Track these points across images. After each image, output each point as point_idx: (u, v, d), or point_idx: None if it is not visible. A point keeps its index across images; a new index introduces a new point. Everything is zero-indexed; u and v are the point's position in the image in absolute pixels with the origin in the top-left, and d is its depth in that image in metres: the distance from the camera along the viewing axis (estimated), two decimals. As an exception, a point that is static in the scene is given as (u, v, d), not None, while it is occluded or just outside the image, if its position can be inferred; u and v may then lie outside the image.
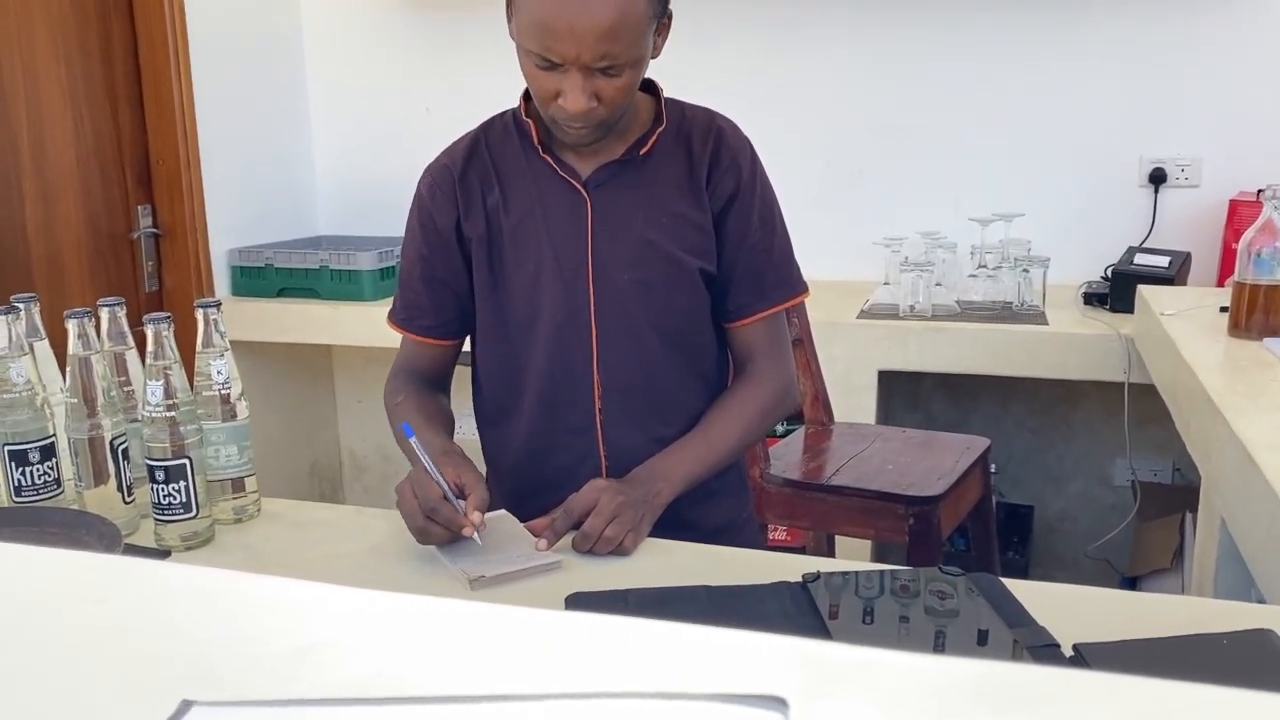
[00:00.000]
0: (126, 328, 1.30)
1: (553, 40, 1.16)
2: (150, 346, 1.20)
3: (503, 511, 1.28)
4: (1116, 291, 2.55)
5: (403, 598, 0.51)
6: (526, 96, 1.34)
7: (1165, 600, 1.10)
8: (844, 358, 2.53)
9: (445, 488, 1.17)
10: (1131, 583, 2.62)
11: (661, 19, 1.24)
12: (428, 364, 1.43)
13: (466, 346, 1.45)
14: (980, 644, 0.99)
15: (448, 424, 1.38)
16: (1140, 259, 2.59)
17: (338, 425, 3.66)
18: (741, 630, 0.43)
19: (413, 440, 1.20)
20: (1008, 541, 2.98)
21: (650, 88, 1.35)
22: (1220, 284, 2.65)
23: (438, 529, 1.16)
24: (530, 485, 1.39)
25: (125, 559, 0.59)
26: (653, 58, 1.26)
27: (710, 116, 1.36)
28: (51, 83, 2.71)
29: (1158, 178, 2.80)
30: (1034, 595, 1.02)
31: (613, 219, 1.32)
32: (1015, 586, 1.04)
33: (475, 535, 1.16)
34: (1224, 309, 1.97)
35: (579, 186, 1.32)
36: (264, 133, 3.30)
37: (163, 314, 1.21)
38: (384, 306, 1.46)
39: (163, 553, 1.22)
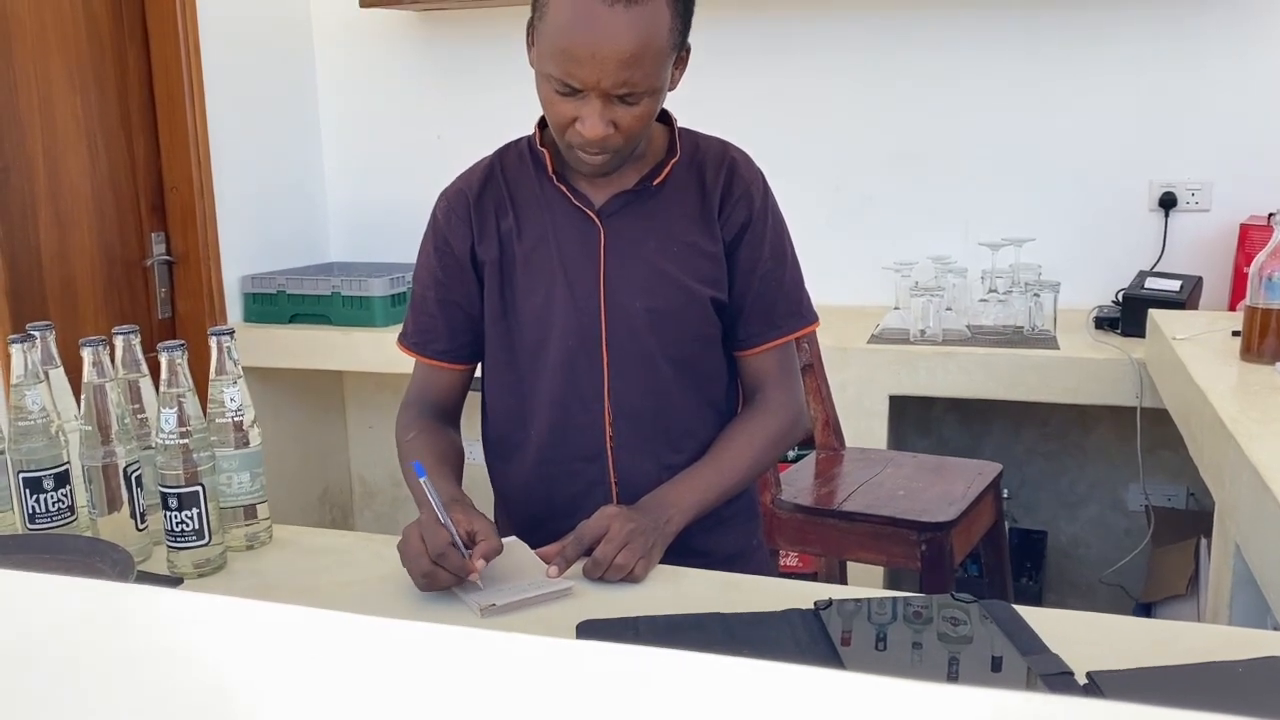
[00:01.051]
0: (141, 356, 1.30)
1: (574, 66, 1.17)
2: (164, 374, 1.21)
3: (514, 538, 1.28)
4: (1128, 316, 2.55)
5: (415, 626, 0.51)
6: (541, 125, 1.35)
7: (1180, 627, 1.10)
8: (855, 383, 2.53)
9: (454, 534, 1.15)
10: (1146, 609, 2.60)
11: (680, 51, 1.25)
12: (440, 391, 1.43)
13: (477, 373, 1.45)
14: (994, 671, 0.99)
15: (458, 463, 1.38)
16: (1151, 283, 2.59)
17: (349, 451, 3.66)
18: (754, 659, 0.43)
19: (423, 481, 1.18)
20: (1021, 567, 2.96)
21: (664, 118, 1.36)
22: (1232, 308, 2.65)
23: (444, 574, 1.14)
24: (540, 512, 1.39)
25: (137, 587, 0.60)
26: (670, 90, 1.27)
27: (724, 147, 1.37)
28: (67, 112, 2.74)
29: (1168, 202, 2.80)
30: (1047, 622, 1.02)
31: (625, 247, 1.32)
32: (1028, 613, 1.04)
33: (478, 580, 1.16)
34: (1236, 333, 1.97)
35: (592, 215, 1.33)
36: (276, 160, 3.32)
37: (177, 342, 1.22)
38: (395, 332, 1.46)
39: (175, 580, 1.22)
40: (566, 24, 1.16)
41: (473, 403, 1.48)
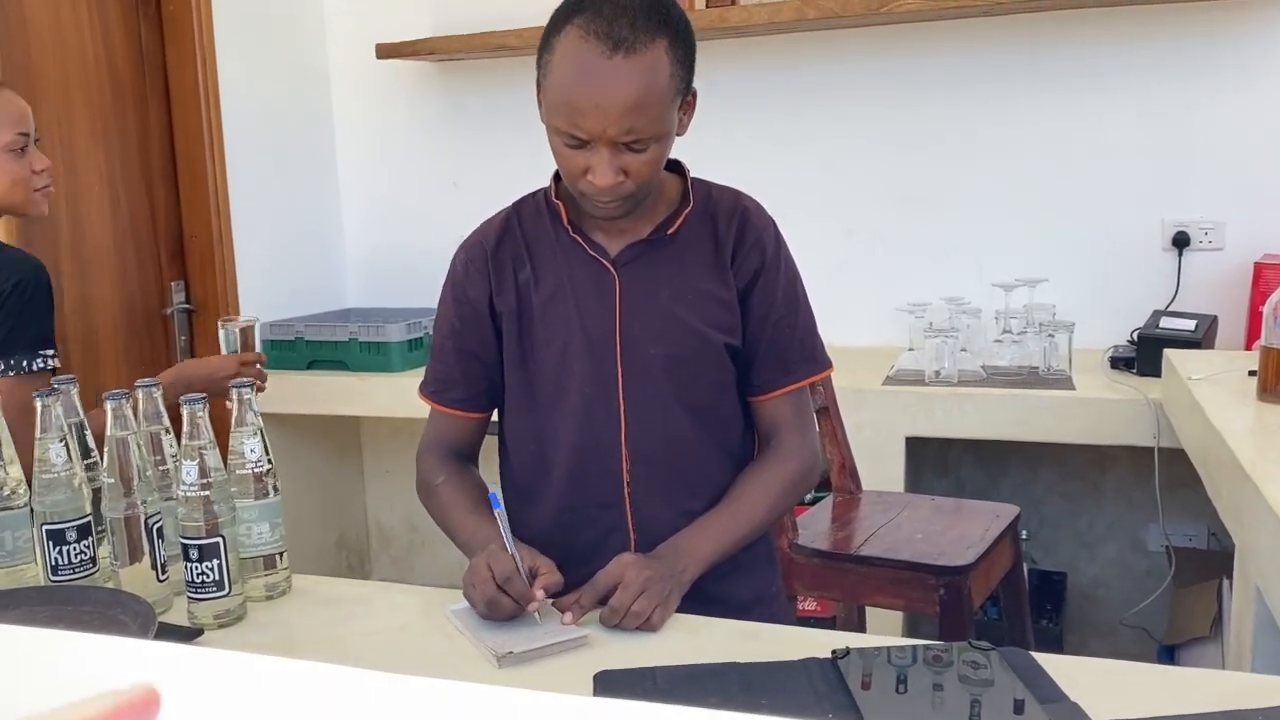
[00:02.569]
0: (162, 408, 1.32)
1: (579, 117, 1.20)
2: (186, 427, 1.22)
3: (530, 586, 1.29)
4: (1143, 355, 2.54)
5: (435, 683, 0.52)
6: (557, 178, 1.37)
7: (1199, 674, 1.09)
8: (870, 425, 2.53)
9: (520, 563, 1.21)
10: (1170, 651, 2.57)
11: (685, 96, 1.27)
12: (458, 437, 1.45)
13: (494, 417, 1.47)
14: (1016, 714, 0.98)
15: (487, 508, 1.40)
16: (1166, 322, 2.58)
17: (365, 496, 3.67)
18: (772, 715, 0.44)
19: (497, 512, 1.24)
20: (1041, 609, 2.94)
21: (678, 168, 1.39)
22: (1248, 347, 2.64)
23: (507, 601, 1.19)
24: (558, 558, 1.39)
25: (157, 644, 0.60)
26: (679, 135, 1.30)
27: (736, 196, 1.40)
28: (90, 164, 2.79)
29: (1181, 241, 2.80)
30: (1066, 670, 1.02)
31: (640, 296, 1.34)
32: (1046, 661, 1.04)
33: (537, 615, 1.20)
34: (1253, 373, 1.96)
35: (607, 264, 1.35)
36: (295, 208, 3.37)
37: (198, 395, 1.24)
38: (412, 377, 1.49)
39: (196, 631, 1.23)
40: (569, 78, 1.20)
41: (490, 448, 1.50)
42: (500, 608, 1.19)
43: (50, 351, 1.72)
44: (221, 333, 1.98)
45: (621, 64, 1.18)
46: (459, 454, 1.46)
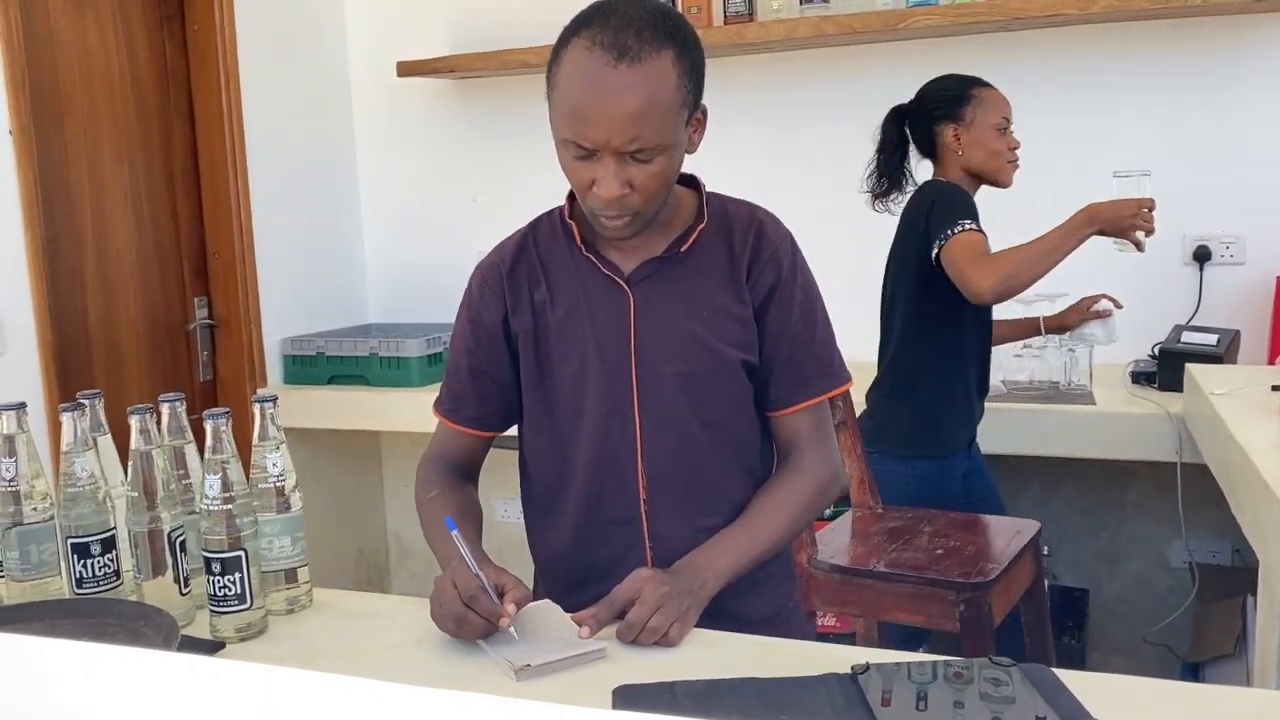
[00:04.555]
0: (186, 422, 1.33)
1: (584, 126, 1.21)
2: (209, 441, 1.24)
3: (546, 600, 1.29)
4: (1165, 370, 2.53)
5: (453, 695, 0.52)
6: (572, 197, 1.38)
7: (1222, 691, 1.08)
8: (890, 440, 2.52)
9: (484, 581, 1.19)
10: (1194, 669, 2.54)
11: (695, 112, 1.28)
12: (462, 452, 1.47)
13: (510, 430, 1.47)
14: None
15: (479, 522, 1.41)
16: (1188, 337, 2.57)
17: (385, 511, 3.69)
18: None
19: (454, 534, 1.22)
20: (1063, 626, 2.91)
21: (693, 184, 1.39)
22: (1271, 361, 2.62)
23: (476, 618, 1.17)
24: (576, 576, 1.40)
25: (180, 656, 0.61)
26: (689, 152, 1.30)
27: (751, 211, 1.39)
28: (115, 182, 2.82)
29: (1202, 255, 2.79)
30: (1089, 687, 1.01)
31: (655, 313, 1.35)
32: (1069, 678, 1.03)
33: (512, 629, 1.18)
34: (1276, 387, 1.95)
35: (621, 282, 1.35)
36: (316, 224, 3.40)
37: (221, 410, 1.25)
38: (432, 392, 1.50)
39: (218, 644, 1.24)
40: (574, 87, 1.21)
41: (508, 467, 1.50)
42: (470, 625, 1.17)
43: None
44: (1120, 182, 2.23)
45: (626, 72, 1.18)
46: (459, 469, 1.47)
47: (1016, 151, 2.33)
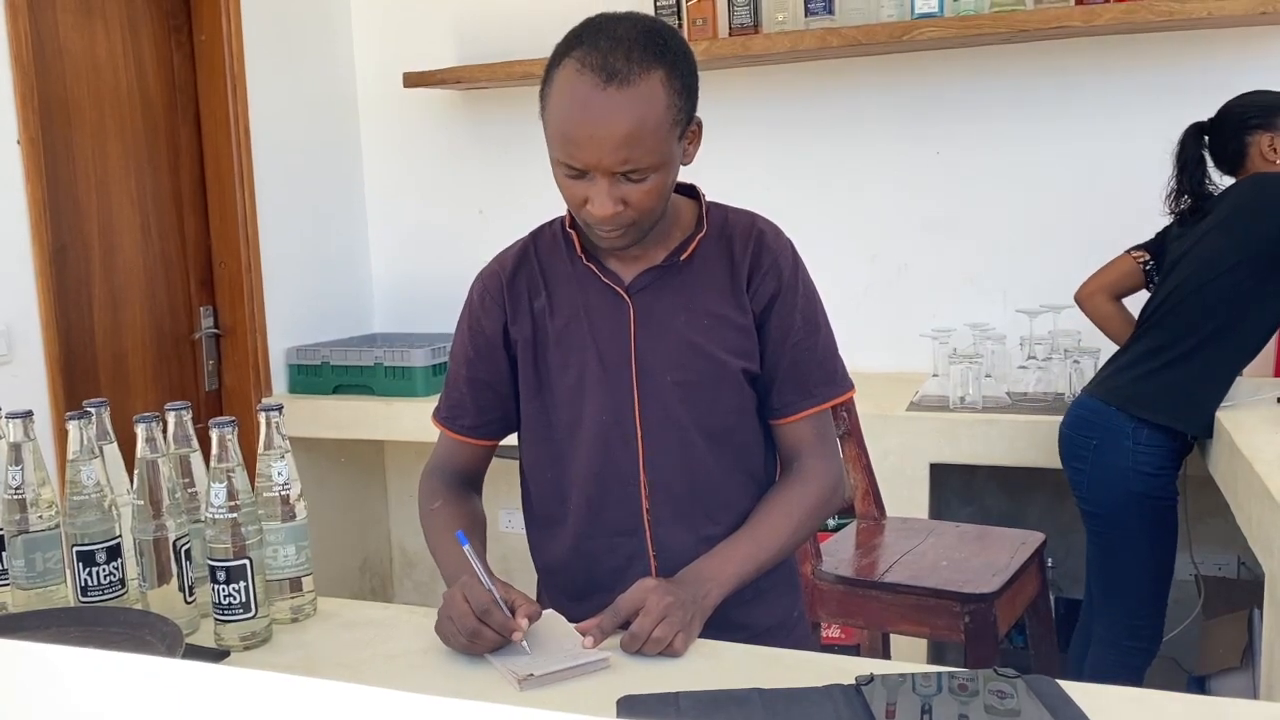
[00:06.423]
0: (192, 431, 1.34)
1: (575, 149, 1.21)
2: (215, 450, 1.24)
3: (550, 611, 1.29)
4: (1170, 382, 2.52)
5: (457, 704, 0.52)
6: None
7: (1227, 704, 1.08)
8: (895, 451, 2.52)
9: (496, 595, 1.19)
10: (1200, 682, 2.53)
11: (688, 126, 1.28)
12: (463, 462, 1.47)
13: (512, 440, 1.47)
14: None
15: (483, 534, 1.41)
16: (1193, 349, 2.56)
17: (389, 521, 3.69)
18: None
19: (466, 549, 1.23)
20: (1068, 638, 2.90)
21: (693, 193, 1.39)
22: (1276, 374, 2.62)
23: (489, 633, 1.17)
24: (580, 587, 1.40)
25: (184, 663, 0.61)
26: (685, 164, 1.30)
27: (751, 220, 1.39)
28: (122, 192, 2.84)
29: (1207, 267, 2.78)
30: (1094, 699, 1.01)
31: (655, 322, 1.35)
32: (1074, 690, 1.03)
33: (524, 642, 1.18)
34: (1281, 400, 1.95)
35: (621, 291, 1.35)
36: (322, 234, 3.41)
37: (227, 419, 1.25)
38: (436, 402, 1.50)
39: (222, 653, 1.24)
40: (565, 111, 1.21)
41: (510, 478, 1.50)
42: (483, 639, 1.17)
43: None
44: None
45: (615, 95, 1.18)
46: (462, 479, 1.47)
47: None
